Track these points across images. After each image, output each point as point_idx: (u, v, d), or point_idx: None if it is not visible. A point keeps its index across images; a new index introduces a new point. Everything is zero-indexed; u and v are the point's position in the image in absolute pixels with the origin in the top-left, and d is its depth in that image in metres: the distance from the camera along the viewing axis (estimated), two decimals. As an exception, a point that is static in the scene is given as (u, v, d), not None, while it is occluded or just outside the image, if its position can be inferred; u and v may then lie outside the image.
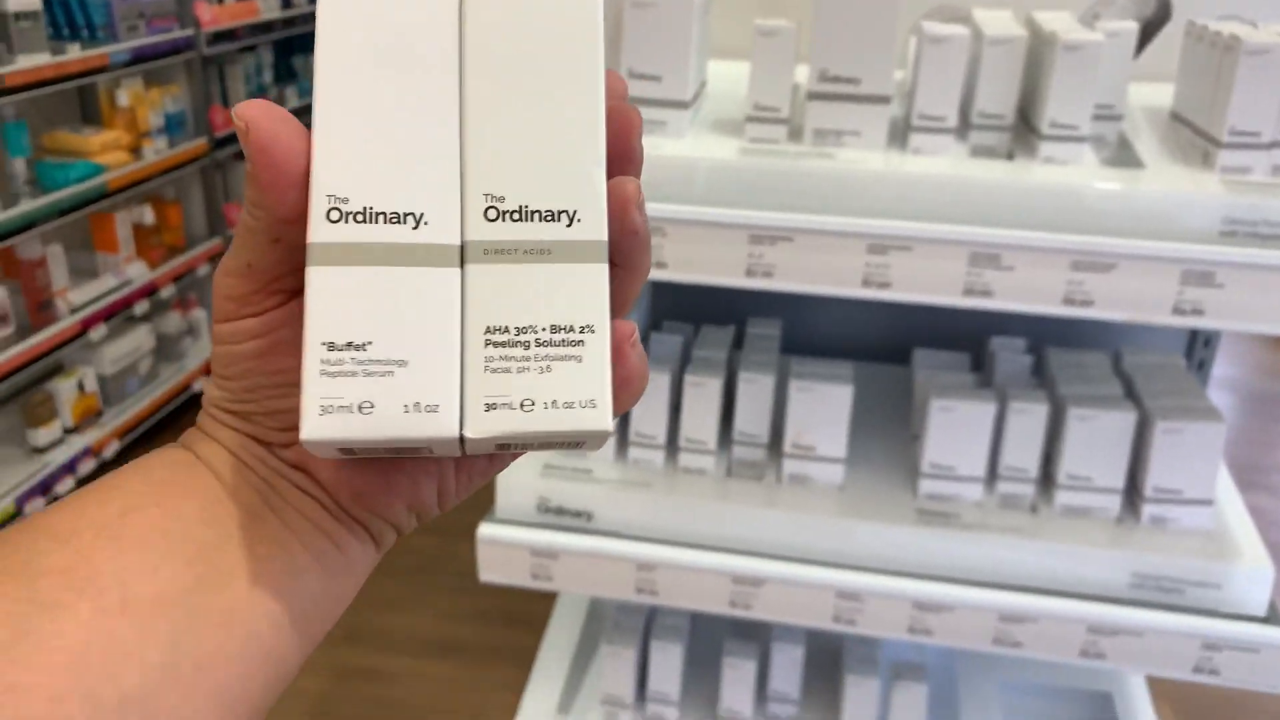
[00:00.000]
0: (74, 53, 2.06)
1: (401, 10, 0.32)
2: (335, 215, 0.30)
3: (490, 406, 0.30)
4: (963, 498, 1.05)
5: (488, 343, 0.30)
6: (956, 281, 0.87)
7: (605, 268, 0.31)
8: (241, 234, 0.32)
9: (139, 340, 2.41)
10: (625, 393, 0.32)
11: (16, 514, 2.03)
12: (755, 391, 1.06)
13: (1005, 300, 0.86)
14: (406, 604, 2.11)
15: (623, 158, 0.32)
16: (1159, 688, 1.31)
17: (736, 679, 1.17)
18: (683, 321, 1.22)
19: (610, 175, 0.32)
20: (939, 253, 0.86)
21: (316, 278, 0.30)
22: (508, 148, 0.31)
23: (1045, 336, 1.18)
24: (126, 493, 0.32)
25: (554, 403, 0.30)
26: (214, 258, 2.62)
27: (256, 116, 0.29)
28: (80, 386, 2.24)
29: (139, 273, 2.35)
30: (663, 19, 0.90)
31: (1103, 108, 0.94)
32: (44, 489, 2.10)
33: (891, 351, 1.29)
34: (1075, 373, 1.06)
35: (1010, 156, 0.92)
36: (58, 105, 2.33)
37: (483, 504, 1.07)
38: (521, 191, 0.31)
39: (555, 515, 1.06)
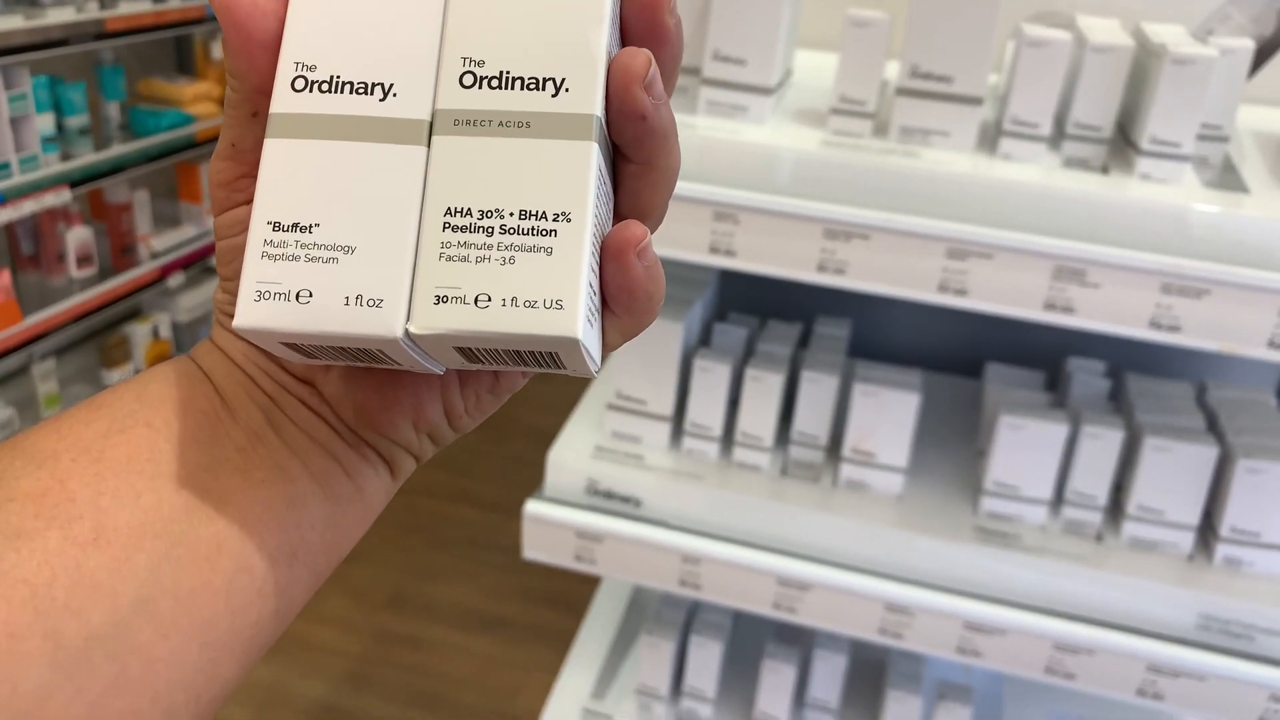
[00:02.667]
0: (173, 2, 2.10)
1: None
2: (300, 84, 0.28)
3: (440, 299, 0.26)
4: (1025, 519, 1.01)
5: (446, 226, 0.27)
6: (1037, 295, 0.83)
7: (592, 147, 0.27)
8: (226, 111, 0.29)
9: (214, 291, 2.45)
10: (624, 308, 0.28)
11: (85, 451, 2.08)
12: (818, 392, 1.03)
13: (1087, 319, 0.83)
14: (453, 576, 2.12)
15: (650, 34, 0.28)
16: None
17: (775, 683, 1.15)
18: (749, 314, 1.19)
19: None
20: (1022, 263, 0.82)
21: (271, 150, 0.27)
22: (494, 7, 0.28)
23: (1125, 362, 1.14)
24: (115, 411, 0.29)
25: (513, 300, 0.26)
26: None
27: None
28: (155, 332, 2.28)
29: (220, 225, 2.39)
30: (753, 1, 0.87)
31: (1209, 128, 0.89)
32: (113, 429, 2.14)
33: (962, 363, 1.25)
34: (1155, 401, 1.02)
35: (1105, 170, 0.88)
36: (154, 54, 2.38)
37: (538, 483, 1.06)
38: (505, 55, 0.27)
39: (603, 498, 1.05)
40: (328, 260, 0.26)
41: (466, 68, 0.27)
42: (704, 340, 1.13)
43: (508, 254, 0.26)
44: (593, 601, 1.39)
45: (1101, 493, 0.99)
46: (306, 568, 0.31)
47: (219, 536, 0.29)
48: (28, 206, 1.83)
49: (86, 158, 1.97)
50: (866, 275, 0.86)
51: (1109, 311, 0.82)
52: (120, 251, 2.16)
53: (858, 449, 1.03)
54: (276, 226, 0.27)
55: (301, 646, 1.87)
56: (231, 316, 0.30)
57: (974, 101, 0.87)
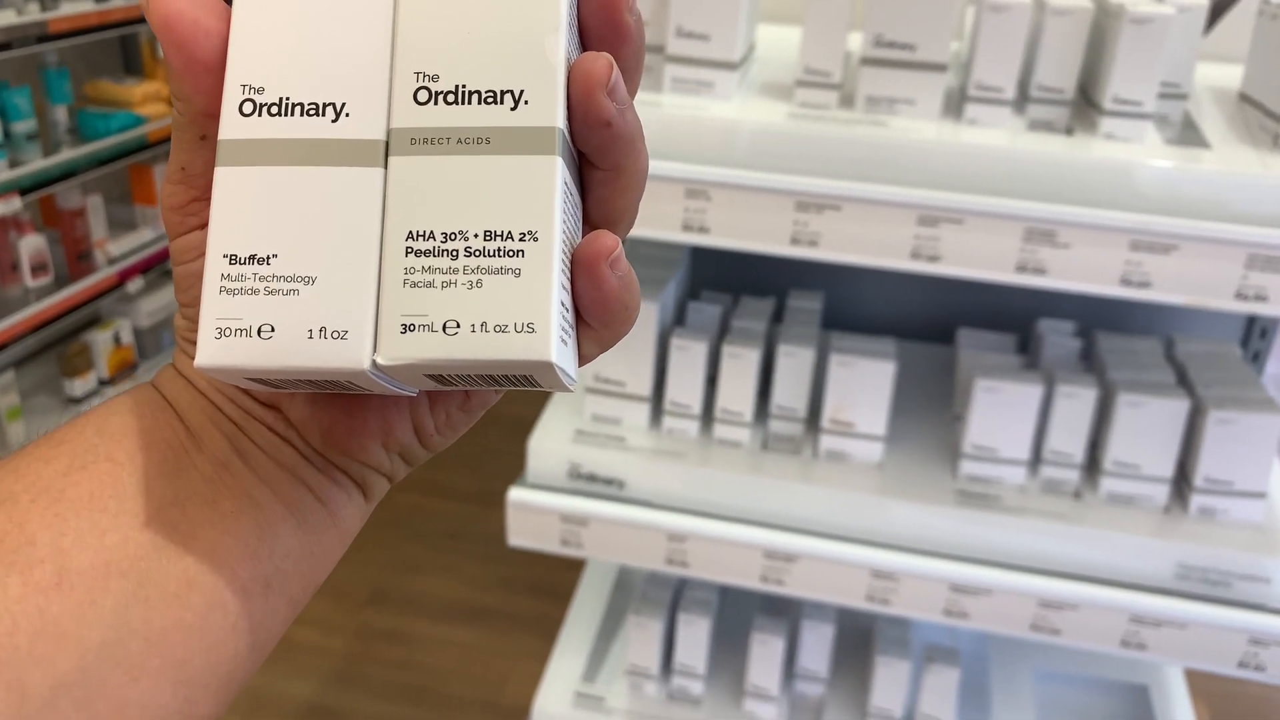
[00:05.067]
0: (117, 1, 2.06)
1: None
2: (249, 108, 0.26)
3: (407, 328, 0.25)
4: (1004, 480, 1.02)
5: (409, 251, 0.26)
6: (1009, 258, 0.84)
7: (556, 162, 0.26)
8: (174, 134, 0.28)
9: (174, 293, 2.42)
10: (599, 321, 0.27)
11: (51, 462, 2.04)
12: (795, 365, 1.04)
13: (1059, 279, 0.84)
14: (434, 569, 2.11)
15: (610, 33, 0.27)
16: (1194, 684, 1.28)
17: (765, 655, 1.16)
18: (721, 291, 1.19)
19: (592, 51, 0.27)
20: (992, 227, 0.83)
21: (223, 179, 0.26)
22: (447, 17, 0.27)
23: (1094, 320, 1.15)
24: (75, 446, 0.28)
25: (483, 325, 0.25)
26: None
27: None
28: (116, 339, 2.25)
29: (177, 227, 2.35)
30: (716, -23, 0.87)
31: (1168, 85, 0.91)
32: (78, 439, 2.11)
33: (935, 330, 1.27)
34: (1125, 358, 1.03)
35: (1069, 132, 0.89)
36: (99, 55, 2.33)
37: (514, 471, 1.06)
38: (460, 68, 0.26)
39: (586, 482, 1.05)
40: (288, 292, 0.26)
41: (420, 83, 0.26)
42: (679, 319, 1.13)
43: (474, 277, 0.25)
44: (578, 585, 1.40)
45: (1078, 451, 1.01)
46: (282, 597, 0.30)
47: (189, 572, 0.28)
48: (-21, 216, 1.79)
49: (35, 164, 1.93)
50: (839, 246, 0.86)
51: (1080, 271, 0.83)
52: (76, 258, 2.12)
53: (836, 419, 1.04)
54: (233, 259, 0.26)
55: (285, 648, 1.85)
56: (192, 343, 0.29)
57: (938, 69, 0.87)
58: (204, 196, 0.28)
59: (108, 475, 0.28)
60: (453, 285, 0.25)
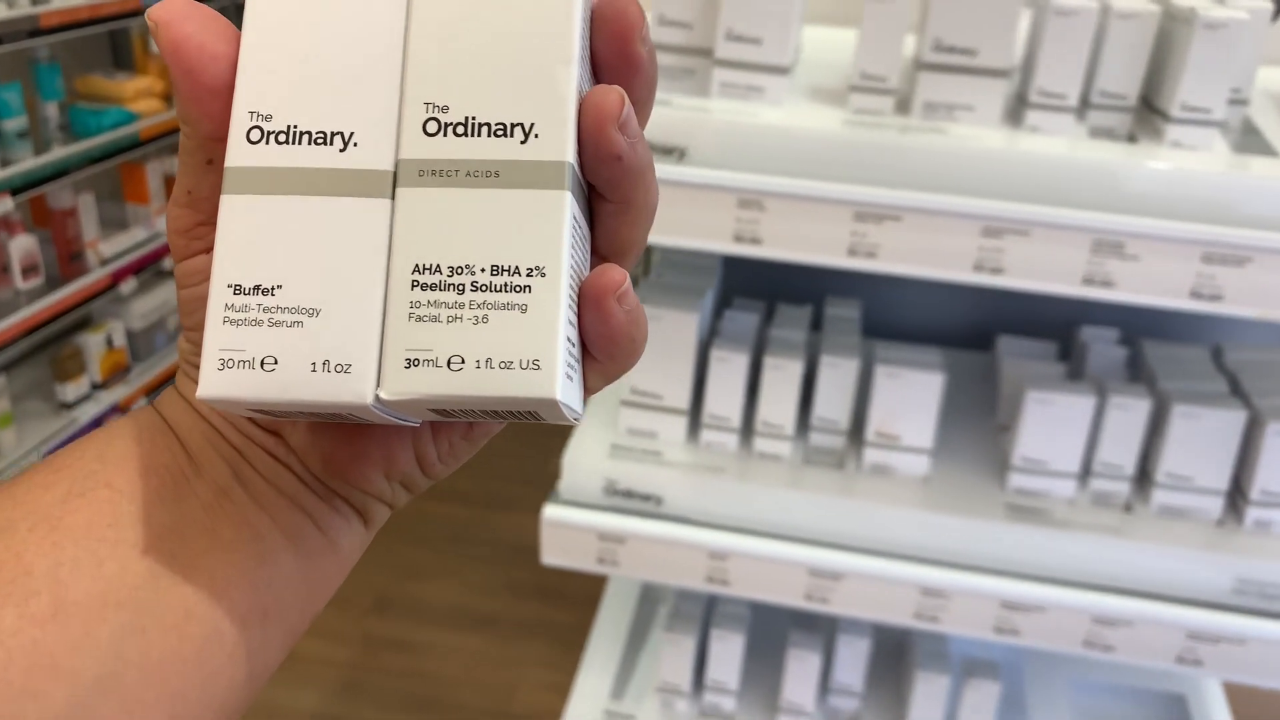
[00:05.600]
0: (109, -5, 2.00)
1: None
2: (256, 135, 0.26)
3: (412, 363, 0.25)
4: (1053, 493, 1.00)
5: (415, 284, 0.25)
6: (1075, 270, 0.81)
7: (566, 196, 0.25)
8: (180, 157, 0.28)
9: (168, 294, 2.36)
10: (605, 355, 0.27)
11: (44, 469, 1.99)
12: (838, 376, 1.01)
13: (1127, 293, 0.81)
14: (437, 574, 2.07)
15: (621, 64, 0.27)
16: (1232, 693, 1.27)
17: (800, 671, 1.13)
18: (754, 298, 1.16)
19: (604, 83, 0.26)
20: (1060, 238, 0.80)
21: (229, 208, 0.26)
22: (458, 48, 0.26)
23: (1136, 327, 1.13)
24: (74, 473, 0.28)
25: (488, 361, 0.25)
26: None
27: (167, 17, 0.25)
28: (109, 341, 2.19)
29: (169, 226, 2.29)
30: (771, -22, 0.84)
31: (1232, 91, 0.88)
32: (71, 444, 2.06)
33: (971, 337, 1.24)
34: (1175, 367, 1.01)
35: (1132, 139, 0.87)
36: (90, 50, 2.27)
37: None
38: (470, 100, 0.26)
39: (623, 498, 1.02)
40: (292, 324, 0.25)
41: (430, 114, 0.26)
42: (713, 329, 1.10)
43: (480, 312, 0.25)
44: (602, 597, 1.36)
45: (1129, 463, 0.98)
46: (280, 627, 0.30)
47: (187, 602, 0.27)
48: (-30, 217, 1.74)
49: (26, 162, 1.88)
50: (899, 258, 0.84)
51: (1149, 284, 0.80)
52: (68, 259, 2.06)
53: (882, 432, 1.01)
54: (237, 289, 0.25)
55: (290, 659, 1.81)
56: (196, 368, 0.28)
57: (1000, 74, 0.85)
58: (210, 221, 0.27)
59: (106, 503, 0.27)
60: (458, 320, 0.25)
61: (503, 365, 0.25)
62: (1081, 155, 0.82)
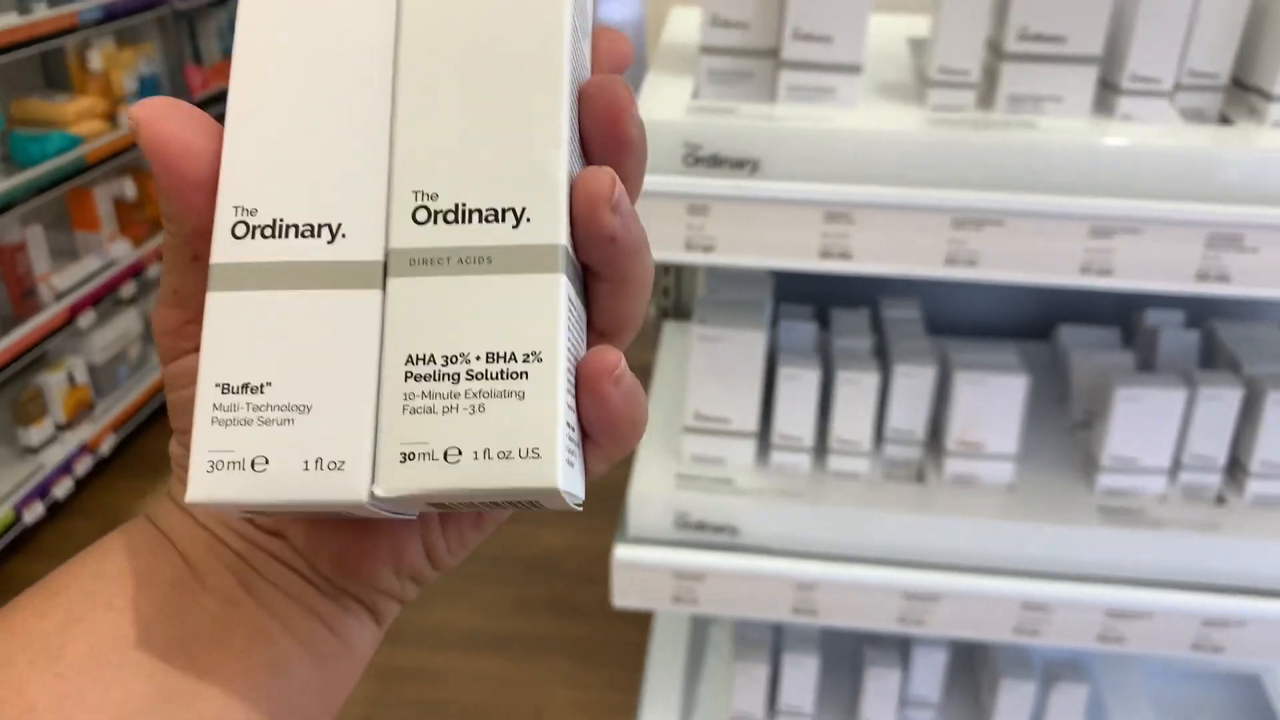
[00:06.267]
0: (41, 11, 1.86)
1: None
2: (241, 230, 0.25)
3: (407, 457, 0.24)
4: (1144, 491, 0.96)
5: (408, 375, 0.24)
6: (1189, 266, 0.77)
7: (560, 280, 0.25)
8: (165, 255, 0.27)
9: (127, 325, 2.24)
10: (605, 439, 0.26)
11: (15, 521, 1.88)
12: (913, 385, 0.95)
13: (1244, 286, 0.77)
14: (447, 597, 1.99)
15: (612, 145, 0.27)
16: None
17: (880, 690, 1.08)
18: (797, 302, 1.10)
19: (596, 164, 0.26)
20: (1174, 235, 0.76)
21: (215, 305, 0.25)
22: (445, 134, 0.26)
23: (1197, 307, 1.09)
24: (72, 596, 0.27)
25: (486, 452, 0.24)
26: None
27: (147, 116, 0.25)
28: (70, 378, 2.07)
29: (123, 252, 2.16)
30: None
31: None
32: (41, 493, 1.94)
33: (1025, 325, 1.19)
34: (1254, 349, 0.97)
35: (1225, 121, 0.82)
36: (20, 72, 2.12)
37: None
38: (459, 186, 0.25)
39: (695, 531, 0.95)
40: (282, 422, 0.25)
41: (419, 202, 0.25)
42: (771, 341, 1.04)
43: (476, 401, 0.24)
44: (653, 627, 1.30)
45: (1220, 454, 0.95)
46: None
47: (201, 719, 0.26)
48: (-83, 264, 1.60)
49: (-30, 198, 1.75)
50: (1001, 265, 0.78)
51: (1269, 276, 0.76)
52: (20, 297, 1.93)
53: (963, 441, 0.96)
54: (225, 388, 0.25)
55: (302, 701, 1.73)
56: (187, 470, 0.27)
57: (1089, 61, 0.79)
58: (197, 318, 0.26)
59: (108, 626, 0.26)
60: (454, 410, 0.24)
61: (501, 455, 0.24)
62: (1186, 143, 0.77)
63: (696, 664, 1.25)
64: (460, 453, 0.24)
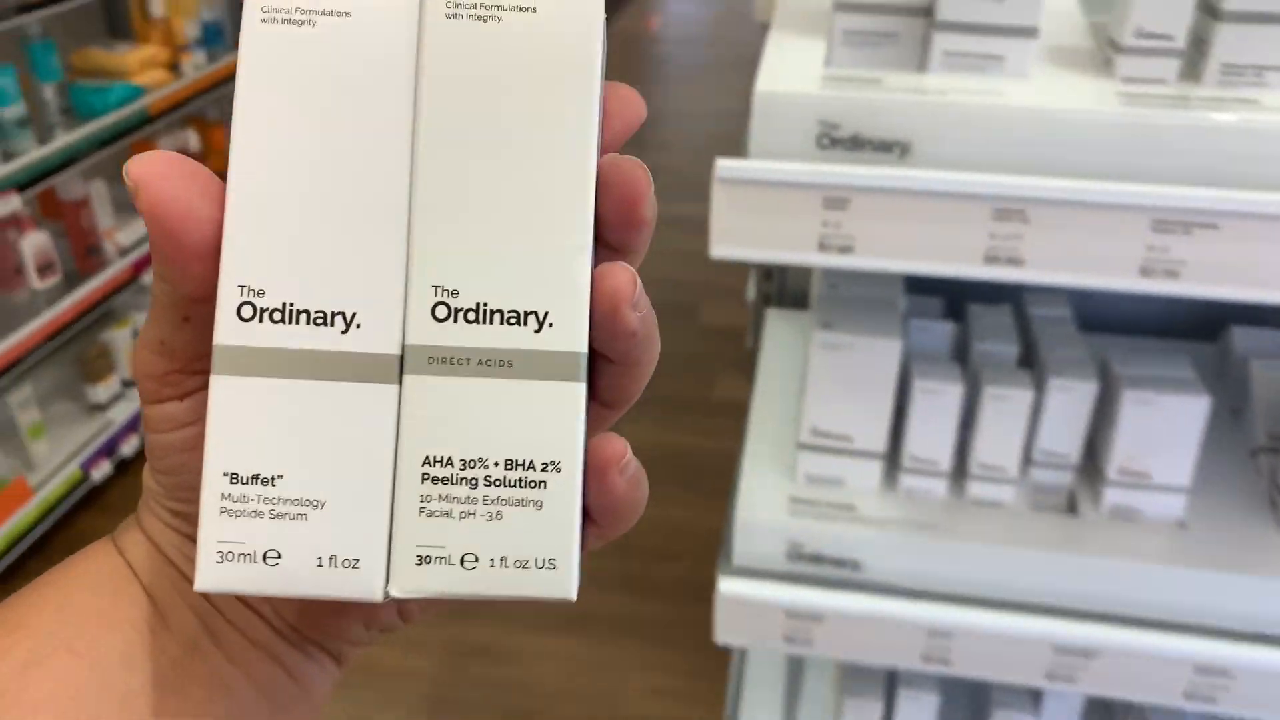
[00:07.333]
0: (102, -45, 1.76)
1: (344, 59, 0.24)
2: (248, 312, 0.24)
3: (423, 560, 0.24)
4: (1345, 534, 0.81)
5: (425, 477, 0.24)
6: None
7: (581, 388, 0.24)
8: (153, 304, 0.26)
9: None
10: (607, 523, 0.26)
11: (83, 479, 1.83)
12: (1070, 402, 0.81)
13: None
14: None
15: (627, 227, 0.25)
16: None
17: (1009, 733, 0.96)
18: (923, 294, 0.96)
19: (615, 245, 0.25)
20: None
21: (221, 390, 0.24)
22: (466, 228, 0.24)
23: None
24: (34, 634, 0.26)
25: (502, 560, 0.24)
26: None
27: (146, 175, 0.23)
28: (136, 334, 2.01)
29: (189, 205, 2.09)
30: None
31: None
32: (109, 450, 1.90)
33: (1184, 323, 1.04)
34: None
35: None
36: (81, 21, 2.03)
37: None
38: (481, 284, 0.24)
39: (812, 564, 0.83)
40: (295, 516, 0.24)
41: (439, 298, 0.24)
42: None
43: (494, 508, 0.24)
44: (747, 655, 1.19)
45: None
46: None
47: None
48: (-26, 224, 1.54)
49: (31, 154, 1.67)
50: (1209, 278, 0.63)
51: None
52: (84, 253, 1.86)
53: (1128, 469, 0.82)
54: (234, 478, 0.24)
55: (370, 674, 1.67)
56: (164, 507, 0.28)
57: (1332, 22, 0.63)
58: (185, 369, 0.26)
59: (67, 671, 0.26)
60: (471, 515, 0.24)
61: (518, 565, 0.24)
62: None
63: (795, 682, 1.14)
64: (477, 559, 0.24)
